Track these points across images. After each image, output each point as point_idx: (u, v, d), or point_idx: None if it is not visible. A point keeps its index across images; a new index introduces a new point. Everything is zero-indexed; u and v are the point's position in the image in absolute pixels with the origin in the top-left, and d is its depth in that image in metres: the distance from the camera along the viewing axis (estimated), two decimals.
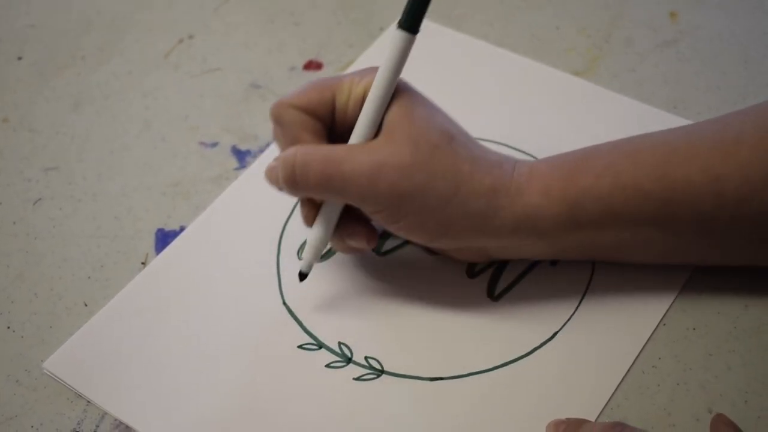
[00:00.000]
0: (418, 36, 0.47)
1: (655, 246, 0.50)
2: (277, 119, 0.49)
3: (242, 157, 0.60)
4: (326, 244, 0.50)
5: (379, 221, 0.49)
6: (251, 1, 0.71)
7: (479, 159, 0.48)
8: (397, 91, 0.48)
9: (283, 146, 0.50)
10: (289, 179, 0.47)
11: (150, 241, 0.56)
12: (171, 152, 0.61)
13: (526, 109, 0.62)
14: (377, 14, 0.69)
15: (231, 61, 0.67)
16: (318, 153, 0.47)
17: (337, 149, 0.47)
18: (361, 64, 0.65)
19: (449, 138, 0.48)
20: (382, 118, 0.48)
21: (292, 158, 0.47)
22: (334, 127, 0.50)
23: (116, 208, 0.58)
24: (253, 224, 0.56)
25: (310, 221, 0.50)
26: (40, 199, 0.59)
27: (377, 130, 0.48)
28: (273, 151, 0.60)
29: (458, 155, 0.48)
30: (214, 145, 0.61)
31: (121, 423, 0.48)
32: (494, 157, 0.49)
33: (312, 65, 0.66)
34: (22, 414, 0.49)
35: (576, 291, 0.52)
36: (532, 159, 0.51)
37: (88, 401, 0.49)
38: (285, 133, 0.49)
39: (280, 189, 0.49)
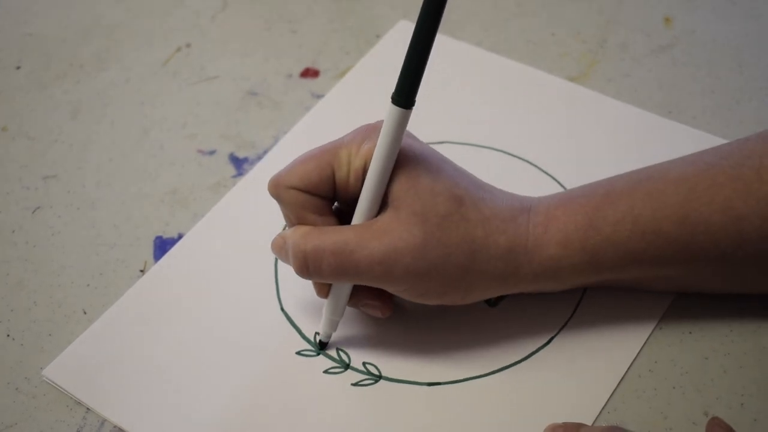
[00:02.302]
0: None
1: (674, 281, 0.50)
2: (277, 198, 0.48)
3: (240, 164, 0.61)
4: (341, 316, 0.50)
5: (401, 296, 0.48)
6: (248, 9, 0.71)
7: (491, 219, 0.47)
8: (399, 159, 0.46)
9: (287, 220, 0.49)
10: (302, 270, 0.47)
11: (148, 249, 0.56)
12: (169, 160, 0.61)
13: (522, 115, 0.62)
14: (373, 21, 0.69)
15: (228, 69, 0.67)
16: (328, 242, 0.46)
17: (347, 235, 0.46)
18: (357, 71, 0.65)
19: (458, 203, 0.47)
20: (387, 188, 0.46)
21: (302, 248, 0.46)
22: (337, 198, 0.48)
23: (115, 215, 0.58)
24: (251, 232, 0.56)
25: (324, 294, 0.50)
26: (39, 207, 0.59)
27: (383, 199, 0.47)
28: (270, 159, 0.60)
29: (469, 221, 0.47)
30: (212, 152, 0.62)
31: (120, 430, 0.49)
32: (507, 210, 0.48)
33: (309, 72, 0.66)
34: (22, 421, 0.49)
35: (572, 295, 0.52)
36: (544, 198, 0.50)
37: (88, 408, 0.50)
38: (287, 212, 0.48)
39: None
